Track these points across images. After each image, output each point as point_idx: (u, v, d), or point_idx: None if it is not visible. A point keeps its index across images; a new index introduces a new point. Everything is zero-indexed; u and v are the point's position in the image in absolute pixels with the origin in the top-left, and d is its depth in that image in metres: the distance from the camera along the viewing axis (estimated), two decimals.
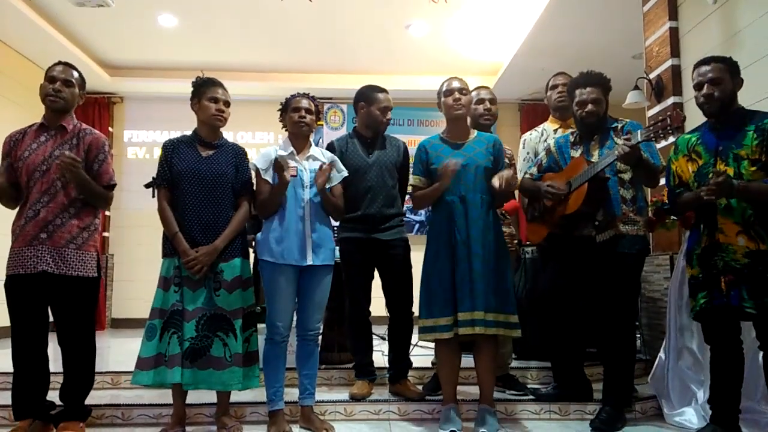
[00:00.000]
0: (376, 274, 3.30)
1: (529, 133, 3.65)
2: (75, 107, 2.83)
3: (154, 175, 2.83)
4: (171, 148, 2.82)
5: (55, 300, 2.69)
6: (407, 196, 3.31)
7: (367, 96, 3.29)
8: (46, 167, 2.68)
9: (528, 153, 3.54)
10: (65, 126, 2.76)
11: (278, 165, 2.70)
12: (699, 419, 2.89)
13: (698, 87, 2.59)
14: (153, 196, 2.82)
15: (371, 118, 3.27)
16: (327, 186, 2.89)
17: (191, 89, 2.87)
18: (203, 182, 2.76)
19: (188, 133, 2.92)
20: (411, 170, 3.08)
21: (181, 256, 2.69)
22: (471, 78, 4.93)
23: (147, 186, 2.89)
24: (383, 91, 3.30)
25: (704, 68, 2.58)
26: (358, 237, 3.19)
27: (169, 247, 2.74)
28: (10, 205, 2.78)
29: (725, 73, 2.54)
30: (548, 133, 3.49)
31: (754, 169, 2.45)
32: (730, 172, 2.46)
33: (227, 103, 2.86)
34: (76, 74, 2.82)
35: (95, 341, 2.81)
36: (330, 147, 3.31)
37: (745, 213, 2.45)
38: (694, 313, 2.62)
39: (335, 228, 3.74)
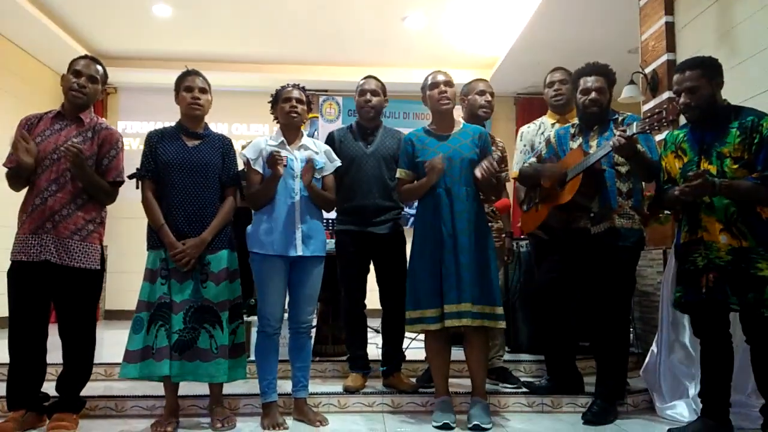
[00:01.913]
0: (371, 267, 3.30)
1: (527, 126, 3.65)
2: (95, 101, 2.85)
3: (138, 167, 2.81)
4: (155, 139, 2.80)
5: (57, 291, 2.68)
6: None
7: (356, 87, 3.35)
8: (57, 156, 2.66)
9: (525, 146, 3.54)
10: (82, 118, 2.77)
11: (272, 159, 2.68)
12: (690, 413, 2.91)
13: (677, 94, 2.59)
14: (137, 188, 2.79)
15: (357, 105, 3.32)
16: (319, 176, 2.89)
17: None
18: (190, 173, 2.75)
19: (172, 124, 2.91)
20: (399, 163, 3.06)
21: (167, 249, 2.68)
22: (467, 71, 4.94)
23: (130, 177, 2.86)
24: (369, 77, 3.35)
25: (679, 76, 2.57)
26: (353, 230, 3.19)
27: (155, 239, 2.72)
28: (17, 188, 2.76)
29: (701, 80, 2.52)
30: (546, 126, 3.49)
31: (736, 167, 2.45)
32: (713, 170, 2.47)
33: (203, 90, 2.84)
34: (100, 69, 2.83)
35: (95, 334, 2.80)
36: (330, 137, 3.33)
37: (728, 211, 2.46)
38: (675, 305, 2.67)
39: (331, 221, 3.72)
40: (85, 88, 2.75)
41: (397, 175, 3.01)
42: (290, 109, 2.87)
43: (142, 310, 2.68)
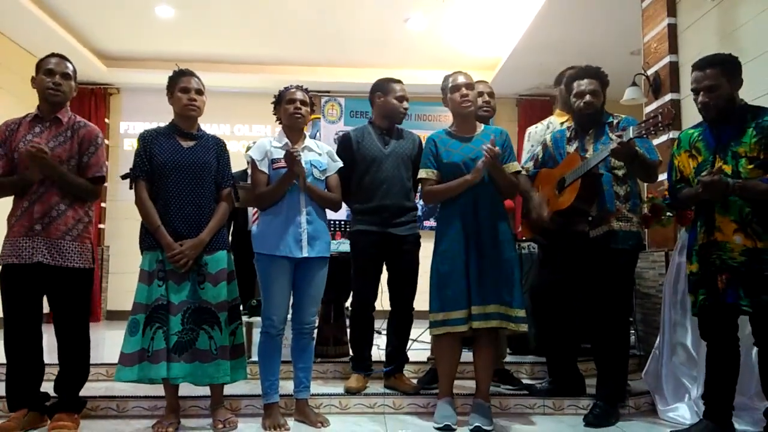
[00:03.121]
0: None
1: (534, 126, 3.63)
2: (72, 99, 2.83)
3: (131, 167, 2.78)
4: (149, 139, 2.77)
5: (51, 291, 2.68)
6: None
7: (383, 87, 3.31)
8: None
9: (532, 146, 3.52)
10: (60, 118, 2.75)
11: (289, 156, 2.67)
12: (692, 415, 2.90)
13: (695, 92, 2.56)
14: (130, 188, 2.77)
15: (389, 107, 3.27)
16: (322, 177, 2.88)
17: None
18: (187, 174, 2.73)
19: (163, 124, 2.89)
20: (421, 163, 3.02)
21: (165, 250, 2.66)
22: (469, 73, 4.90)
23: (123, 177, 2.85)
24: (399, 81, 3.32)
25: (699, 74, 2.52)
26: (373, 231, 3.16)
27: (151, 240, 2.71)
28: (8, 194, 2.76)
29: (721, 78, 2.48)
30: (554, 126, 3.46)
31: (751, 167, 2.42)
32: (728, 169, 2.45)
33: (199, 92, 2.82)
34: (71, 66, 2.81)
35: (89, 332, 2.80)
36: (346, 137, 3.31)
37: (742, 211, 2.44)
38: (696, 309, 2.60)
39: (338, 222, 3.72)
40: (61, 86, 2.73)
41: (422, 175, 2.96)
42: (294, 111, 2.86)
43: (138, 312, 2.65)
